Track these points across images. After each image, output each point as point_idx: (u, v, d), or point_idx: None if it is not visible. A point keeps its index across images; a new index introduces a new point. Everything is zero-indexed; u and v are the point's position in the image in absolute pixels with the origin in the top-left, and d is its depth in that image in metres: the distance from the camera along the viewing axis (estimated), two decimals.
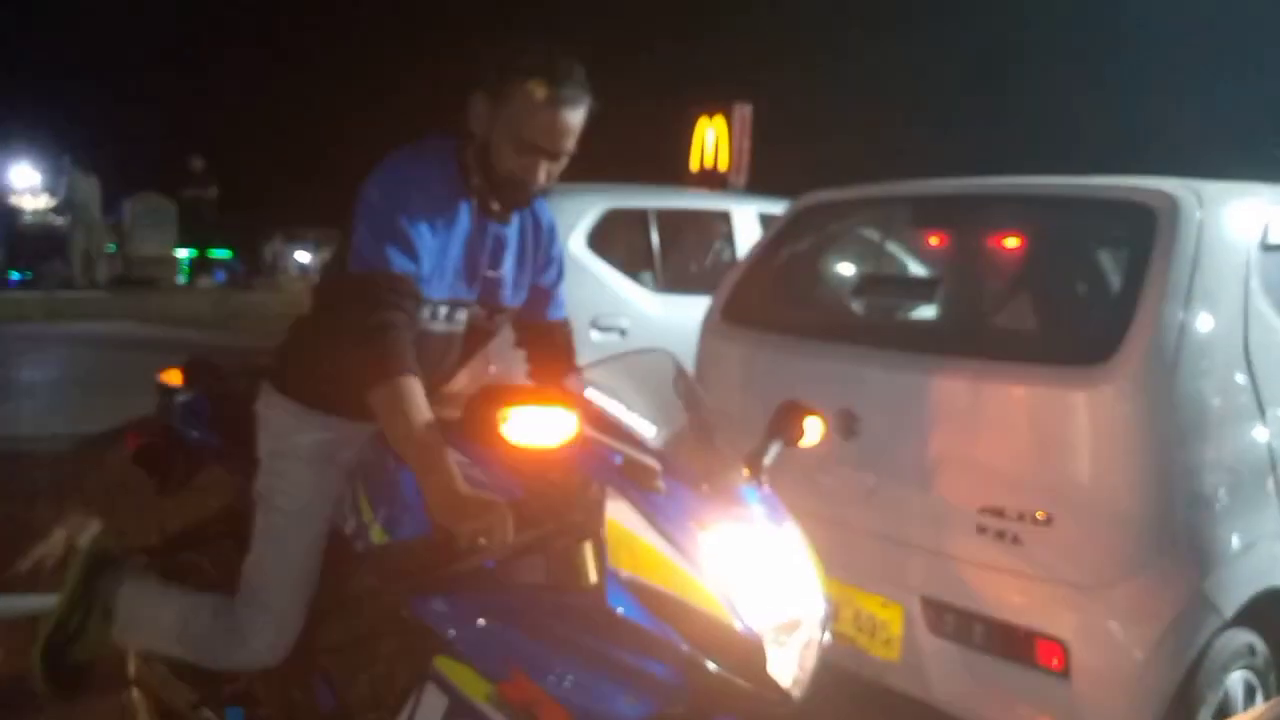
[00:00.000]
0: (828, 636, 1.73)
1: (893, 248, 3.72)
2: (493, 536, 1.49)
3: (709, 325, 3.19)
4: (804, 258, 3.31)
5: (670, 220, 5.04)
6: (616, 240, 4.78)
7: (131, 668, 2.42)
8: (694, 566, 1.55)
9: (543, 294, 2.13)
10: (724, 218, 5.13)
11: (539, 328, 2.18)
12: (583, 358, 2.14)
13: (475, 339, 2.06)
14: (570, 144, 1.82)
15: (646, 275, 4.76)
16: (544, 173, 1.82)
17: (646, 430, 1.71)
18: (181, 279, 14.32)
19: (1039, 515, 2.24)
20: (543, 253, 2.08)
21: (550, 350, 2.19)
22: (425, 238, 1.77)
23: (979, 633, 2.33)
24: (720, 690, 1.56)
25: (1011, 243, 2.97)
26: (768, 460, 1.92)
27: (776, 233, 3.25)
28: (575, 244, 4.43)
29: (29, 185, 14.31)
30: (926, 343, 2.72)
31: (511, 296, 2.05)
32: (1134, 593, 2.19)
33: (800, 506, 2.70)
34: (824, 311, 3.26)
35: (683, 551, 1.56)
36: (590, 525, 1.53)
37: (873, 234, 3.58)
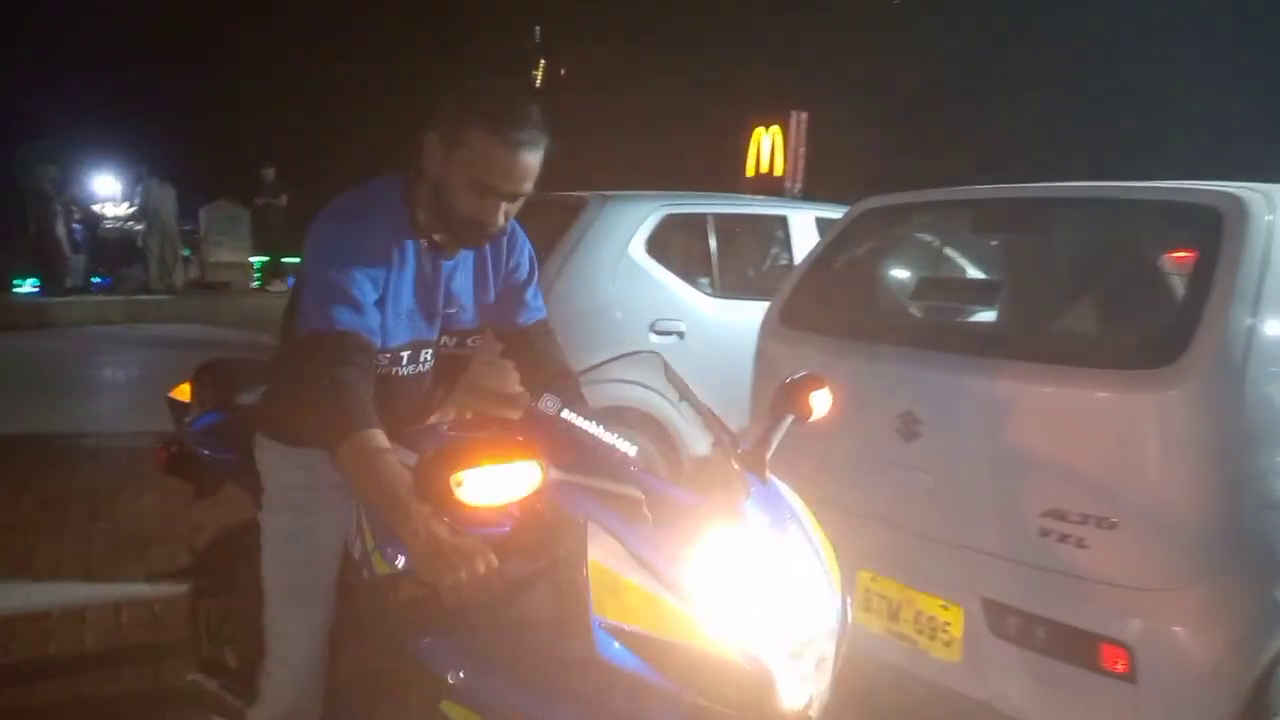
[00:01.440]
0: (844, 643, 1.63)
1: (951, 252, 3.70)
2: (477, 586, 1.39)
3: (768, 328, 3.22)
4: (862, 262, 3.32)
5: (727, 225, 5.08)
6: (675, 245, 4.82)
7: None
8: (686, 603, 1.45)
9: (516, 300, 2.09)
10: (781, 223, 5.14)
11: (518, 335, 2.12)
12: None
13: (453, 367, 2.05)
14: (529, 185, 1.77)
15: (704, 280, 4.80)
16: (502, 214, 1.78)
17: (628, 449, 1.58)
18: (254, 283, 14.68)
19: (1104, 519, 2.23)
20: (509, 262, 2.04)
21: (534, 355, 2.12)
22: (371, 289, 1.72)
23: (1042, 635, 2.33)
24: None
25: (1074, 247, 2.95)
26: (774, 444, 1.81)
27: (835, 237, 3.27)
28: (635, 249, 4.48)
29: (110, 194, 14.84)
30: (988, 346, 2.72)
31: (475, 318, 2.01)
32: (1202, 598, 2.17)
33: (859, 508, 2.75)
34: (884, 315, 3.27)
35: (673, 588, 1.45)
36: (577, 564, 1.46)
37: (931, 238, 3.58)
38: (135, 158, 14.54)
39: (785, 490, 1.75)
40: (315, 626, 1.94)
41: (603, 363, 1.94)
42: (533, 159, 1.74)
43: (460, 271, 1.95)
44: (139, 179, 14.14)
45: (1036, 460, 2.40)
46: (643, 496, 1.51)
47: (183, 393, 2.62)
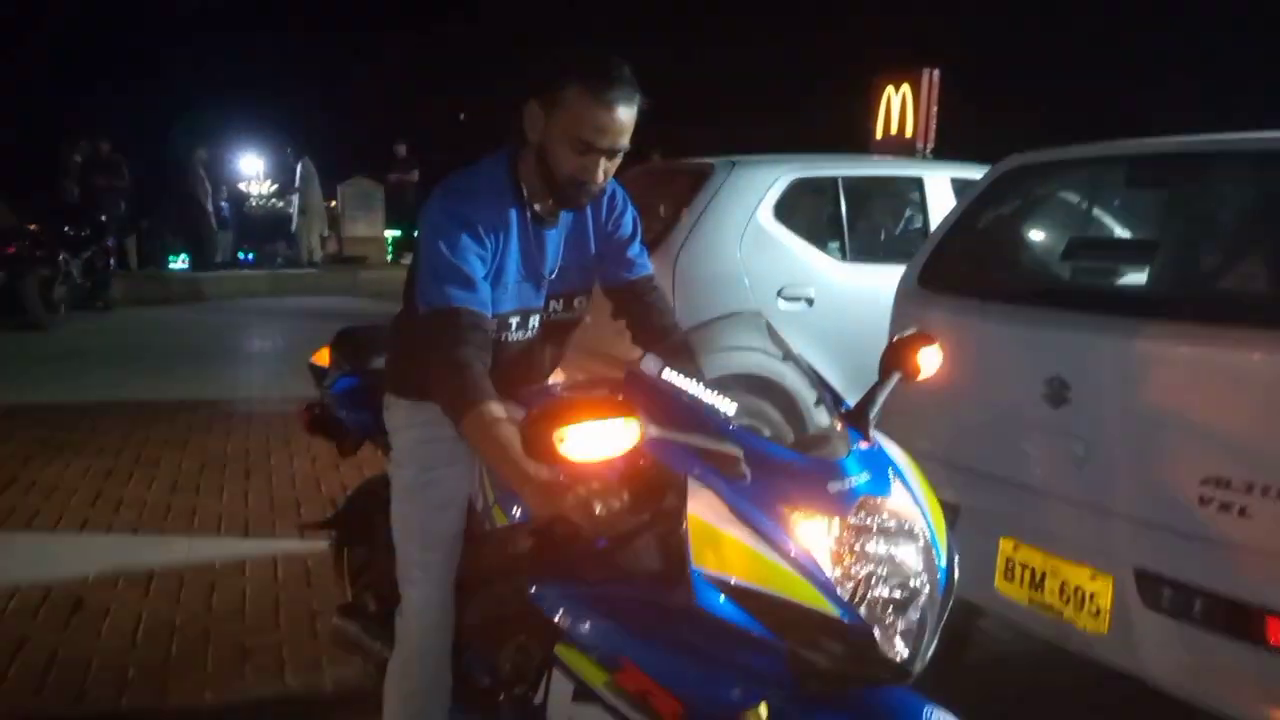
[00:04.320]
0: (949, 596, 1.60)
1: (1099, 211, 3.54)
2: (596, 503, 1.46)
3: (905, 291, 3.15)
4: (1007, 222, 3.21)
5: (859, 188, 4.96)
6: (804, 210, 4.74)
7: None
8: (785, 558, 1.47)
9: (620, 257, 2.14)
10: (915, 184, 4.99)
11: (624, 291, 2.18)
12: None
13: (561, 330, 2.13)
14: (625, 140, 1.82)
15: (834, 245, 4.71)
16: (602, 171, 1.84)
17: (728, 408, 1.59)
18: (388, 257, 15.23)
19: (1268, 487, 2.11)
20: (609, 221, 2.10)
21: (642, 312, 2.17)
22: (480, 266, 1.82)
23: (1199, 607, 2.22)
24: (831, 675, 1.51)
25: (1236, 202, 2.78)
26: (879, 402, 1.79)
27: (977, 196, 3.17)
28: (763, 215, 4.43)
29: (254, 173, 15.66)
30: (1142, 308, 2.59)
31: (579, 281, 2.10)
32: None
33: (1001, 475, 2.67)
34: (1029, 276, 3.15)
35: (772, 542, 1.47)
36: (678, 517, 1.50)
37: (1078, 197, 3.42)
38: (278, 137, 15.25)
39: (891, 447, 1.73)
40: (442, 573, 2.05)
41: (705, 323, 1.97)
42: (627, 114, 1.79)
43: (562, 238, 2.03)
44: (294, 159, 14.80)
45: (1195, 426, 2.28)
46: (740, 453, 1.52)
47: (322, 358, 2.77)
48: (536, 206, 1.96)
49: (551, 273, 2.03)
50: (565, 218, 2.03)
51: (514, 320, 1.98)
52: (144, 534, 4.23)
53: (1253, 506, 2.15)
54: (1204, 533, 2.23)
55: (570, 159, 1.82)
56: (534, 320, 2.03)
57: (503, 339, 1.96)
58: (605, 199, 2.08)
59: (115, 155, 12.86)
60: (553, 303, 2.06)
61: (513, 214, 1.92)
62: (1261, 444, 2.17)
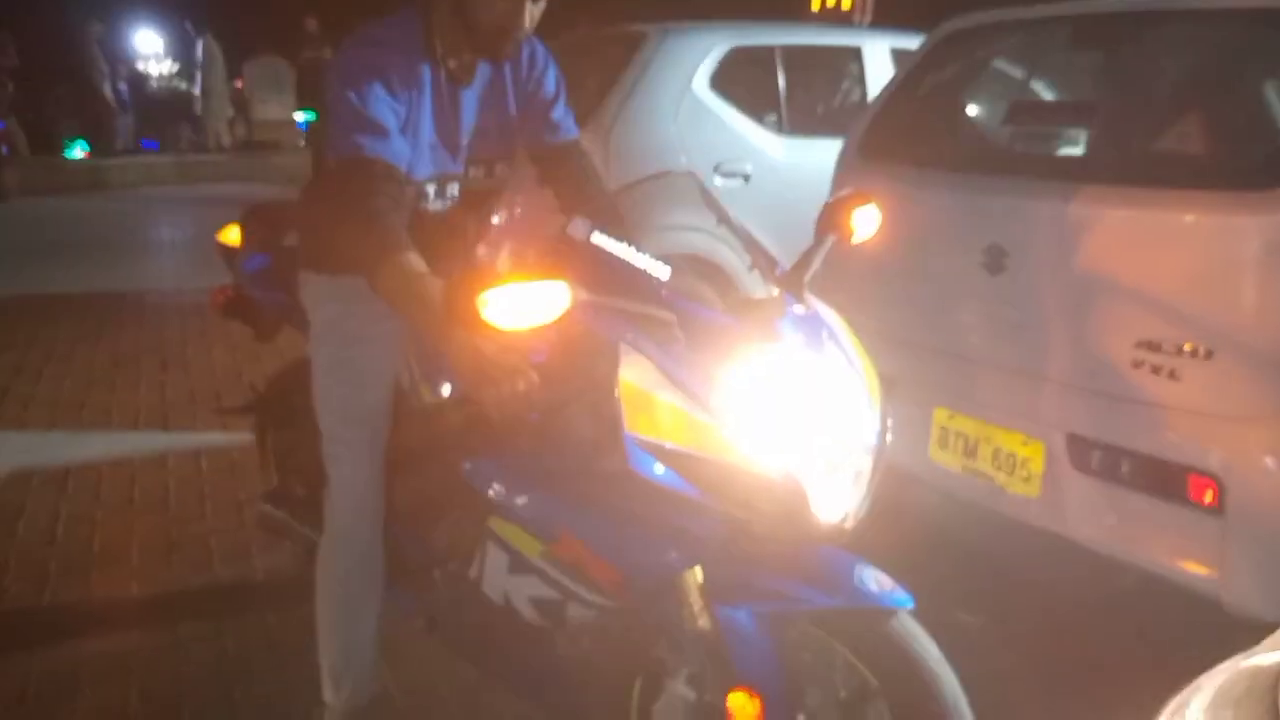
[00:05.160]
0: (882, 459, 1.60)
1: (1038, 78, 3.48)
2: (520, 400, 1.41)
3: (845, 162, 3.09)
4: (946, 89, 3.13)
5: (798, 58, 4.80)
6: (741, 81, 4.57)
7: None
8: (717, 419, 1.44)
9: (543, 119, 2.05)
10: (854, 54, 4.85)
11: (549, 155, 2.10)
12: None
13: (484, 200, 2.05)
14: None
15: (771, 117, 4.59)
16: (527, 15, 1.76)
17: (660, 272, 1.54)
18: (302, 141, 14.50)
19: (1198, 348, 2.14)
20: (529, 80, 2.00)
21: (567, 175, 2.10)
22: (392, 117, 1.71)
23: (1127, 468, 2.28)
24: (765, 535, 1.52)
25: (1176, 64, 2.74)
26: (815, 265, 1.75)
27: (916, 64, 3.08)
28: (698, 85, 4.28)
29: (153, 52, 14.63)
30: (1080, 173, 2.57)
31: (499, 144, 2.00)
32: None
33: (937, 345, 2.68)
34: (969, 144, 3.11)
35: (704, 405, 1.45)
36: (611, 384, 1.47)
37: (1018, 64, 3.36)
38: (180, 13, 14.27)
39: (824, 310, 1.70)
40: (367, 450, 1.99)
41: (636, 183, 1.91)
42: None
43: (479, 98, 1.93)
44: (194, 35, 13.87)
45: (1130, 290, 2.30)
46: (674, 318, 1.49)
47: (231, 237, 2.62)
48: (451, 63, 1.85)
49: (468, 136, 1.92)
50: (481, 77, 1.92)
51: (431, 188, 1.88)
52: (58, 431, 4.06)
53: (1182, 368, 2.18)
54: (1135, 395, 2.26)
55: (494, 4, 1.72)
56: (452, 188, 1.94)
57: (421, 208, 1.87)
58: (525, 56, 1.98)
59: None
60: (472, 169, 1.96)
61: (425, 70, 1.80)
62: (1193, 305, 2.19)
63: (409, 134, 1.77)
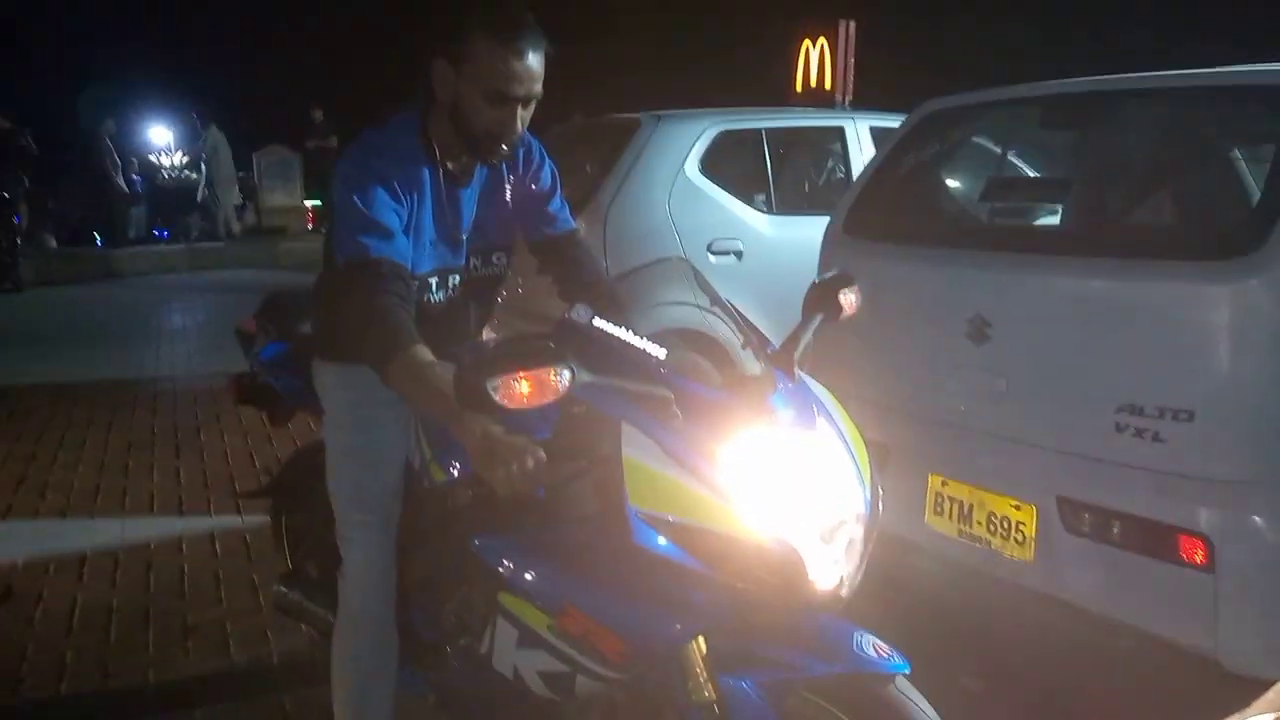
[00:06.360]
0: (873, 531, 1.65)
1: (1015, 154, 3.63)
2: (528, 478, 1.45)
3: (831, 239, 3.21)
4: (926, 167, 3.27)
5: (783, 140, 5.01)
6: (730, 163, 4.76)
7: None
8: (715, 492, 1.50)
9: (541, 213, 2.14)
10: (837, 134, 5.05)
11: (548, 247, 2.18)
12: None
13: (484, 288, 2.13)
14: (538, 87, 1.82)
15: (760, 197, 4.76)
16: (520, 121, 1.84)
17: (658, 352, 1.61)
18: (309, 226, 14.84)
19: (1178, 411, 2.22)
20: (527, 175, 2.09)
21: (565, 266, 2.18)
22: (396, 219, 1.80)
23: (1118, 530, 2.33)
24: (765, 604, 1.56)
25: (1145, 139, 2.87)
26: (804, 342, 1.84)
27: (897, 143, 3.22)
28: (689, 168, 4.46)
29: (164, 144, 15.10)
30: (1058, 244, 2.69)
31: (497, 236, 2.10)
32: None
33: (927, 414, 2.76)
34: (950, 219, 3.23)
35: (703, 478, 1.50)
36: (615, 461, 1.53)
37: (995, 141, 3.51)
38: (188, 106, 14.69)
39: (815, 385, 1.78)
40: (380, 532, 2.06)
41: (632, 271, 1.99)
42: (537, 60, 1.79)
43: (477, 195, 2.02)
44: (200, 127, 14.27)
45: (1109, 356, 2.38)
46: (672, 395, 1.55)
47: (250, 325, 2.73)
48: (449, 165, 1.95)
49: (468, 231, 2.02)
50: (479, 175, 2.02)
51: (434, 281, 1.98)
52: (73, 518, 4.13)
53: (1164, 431, 2.25)
54: (1120, 458, 2.33)
55: (485, 112, 1.80)
56: (454, 279, 2.03)
57: (425, 300, 1.96)
58: (521, 152, 2.07)
59: (13, 128, 12.27)
60: (472, 259, 2.06)
61: (425, 173, 1.90)
62: (1171, 371, 2.27)
63: (411, 234, 1.87)
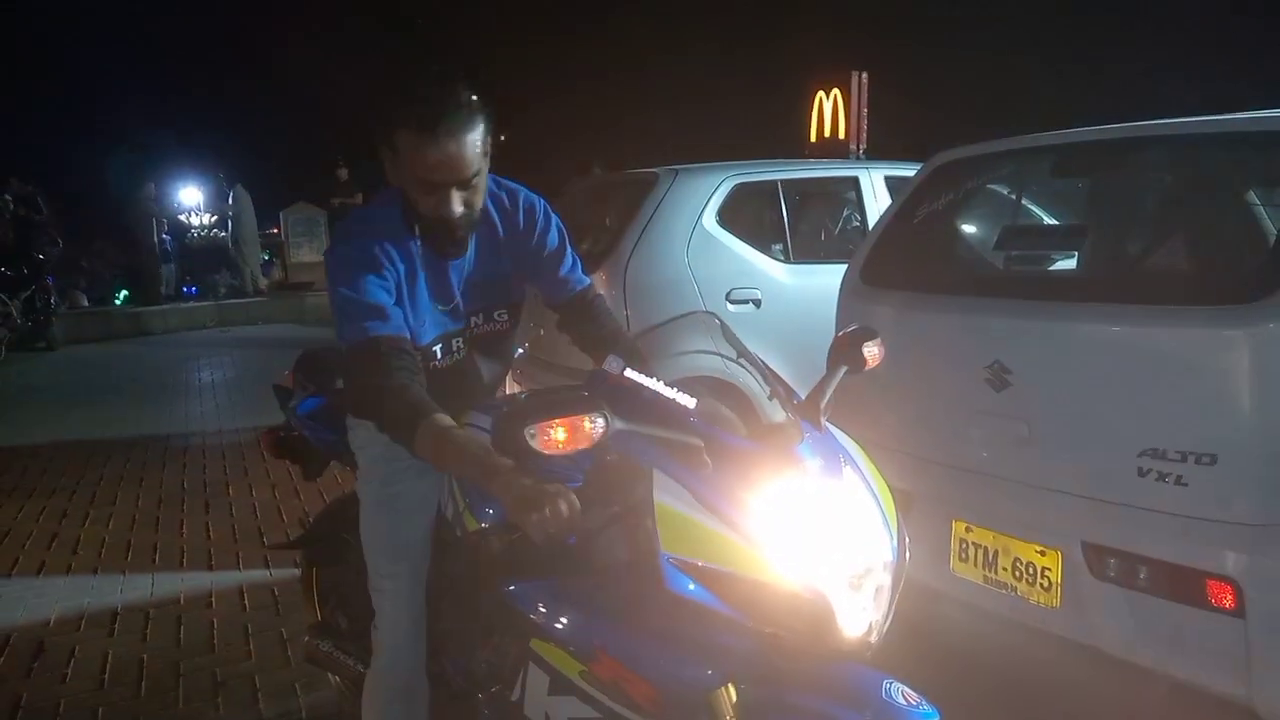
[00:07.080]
0: (899, 578, 1.67)
1: (1029, 201, 3.67)
2: (561, 523, 1.45)
3: (848, 288, 3.24)
4: (941, 216, 3.31)
5: (798, 191, 5.08)
6: (746, 214, 4.84)
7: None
8: (746, 539, 1.53)
9: (553, 274, 2.16)
10: (852, 184, 5.12)
11: (566, 307, 2.20)
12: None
13: (491, 344, 2.14)
14: (470, 169, 1.77)
15: (777, 247, 4.82)
16: (459, 202, 1.80)
17: (688, 402, 1.65)
18: None
19: (1201, 455, 2.22)
20: (535, 238, 2.10)
21: (585, 323, 2.20)
22: (387, 296, 1.82)
23: (1145, 575, 2.32)
24: (794, 651, 1.58)
25: (1158, 186, 2.91)
26: (829, 393, 1.86)
27: (911, 193, 3.27)
28: (707, 220, 4.53)
29: (193, 204, 15.54)
30: (1075, 291, 2.70)
31: (496, 294, 2.10)
32: None
33: (950, 461, 2.77)
34: (966, 267, 3.26)
35: (733, 525, 1.53)
36: (646, 508, 1.56)
37: (1008, 189, 3.55)
38: (215, 168, 15.06)
39: (840, 435, 1.82)
40: (412, 581, 2.08)
41: (656, 325, 2.04)
42: (458, 143, 1.74)
43: (468, 260, 2.02)
44: (227, 187, 14.63)
45: (1130, 401, 2.39)
46: (702, 444, 1.59)
47: (288, 380, 2.79)
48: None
49: (463, 295, 2.03)
50: (472, 239, 2.01)
51: (437, 348, 2.01)
52: (104, 573, 4.18)
53: (1187, 475, 2.25)
54: (1144, 503, 2.33)
55: (422, 199, 1.81)
56: (458, 342, 2.05)
57: (430, 368, 1.98)
58: (522, 211, 2.08)
59: (28, 189, 12.51)
60: (473, 319, 2.08)
61: (412, 246, 1.91)
62: (1192, 415, 2.28)
63: (407, 307, 1.90)
